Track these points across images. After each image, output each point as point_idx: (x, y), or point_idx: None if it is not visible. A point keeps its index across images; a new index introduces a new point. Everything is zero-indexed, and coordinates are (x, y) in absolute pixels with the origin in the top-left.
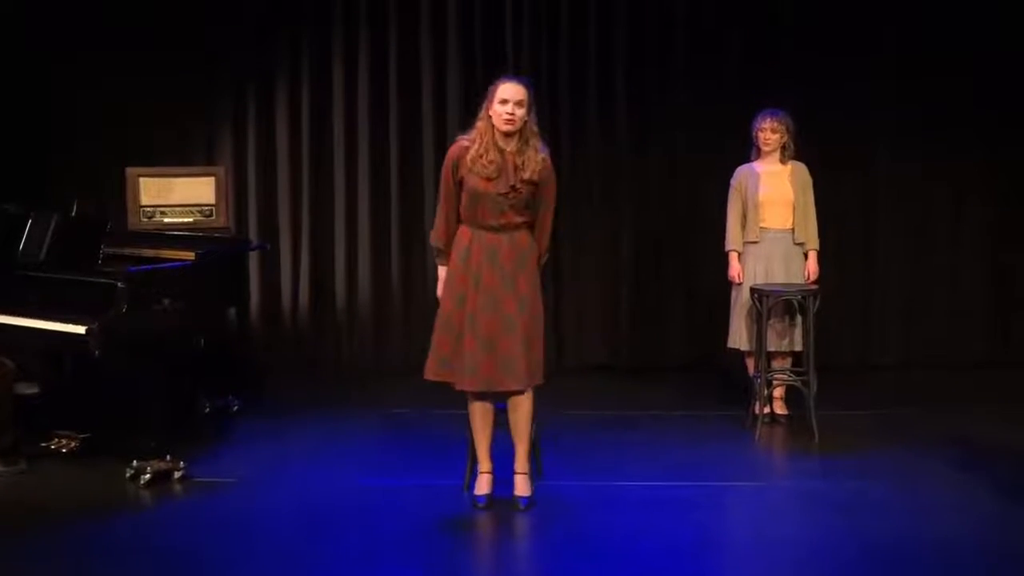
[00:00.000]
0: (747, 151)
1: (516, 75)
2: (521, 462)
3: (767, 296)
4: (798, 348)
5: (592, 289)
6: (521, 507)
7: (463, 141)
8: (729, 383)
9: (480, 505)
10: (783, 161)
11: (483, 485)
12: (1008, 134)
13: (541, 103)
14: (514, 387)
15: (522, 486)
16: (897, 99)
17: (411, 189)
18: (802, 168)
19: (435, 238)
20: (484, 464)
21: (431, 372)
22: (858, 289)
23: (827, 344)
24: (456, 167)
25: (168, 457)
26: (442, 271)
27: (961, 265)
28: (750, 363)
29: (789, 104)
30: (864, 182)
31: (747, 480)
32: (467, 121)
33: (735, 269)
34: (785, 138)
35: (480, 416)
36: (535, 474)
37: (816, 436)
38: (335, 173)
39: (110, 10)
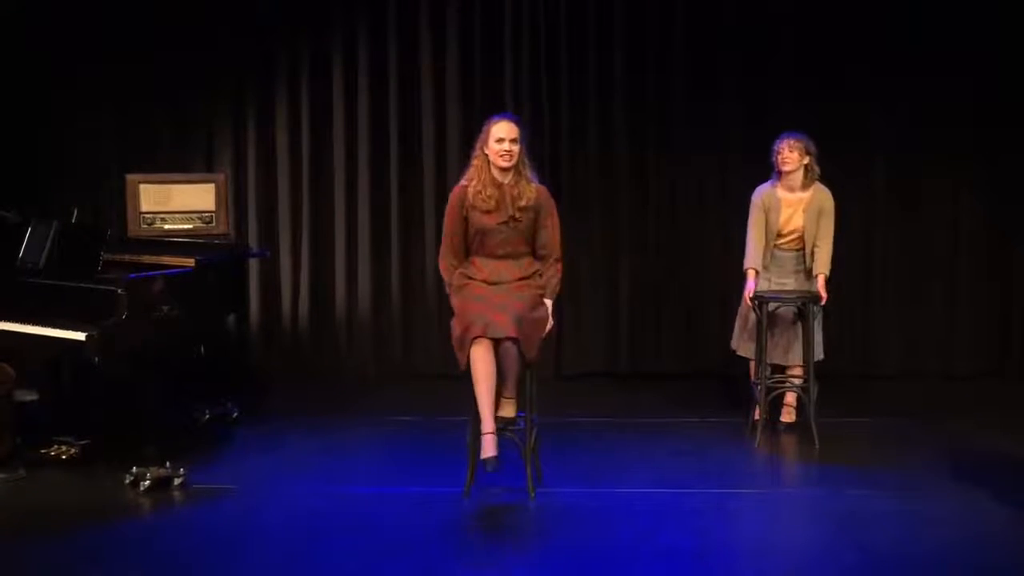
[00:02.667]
0: (746, 162)
1: (506, 113)
2: (509, 390)
3: (767, 303)
4: (799, 362)
5: (592, 295)
6: (516, 424)
7: (463, 182)
8: (730, 390)
9: (488, 469)
10: (805, 186)
11: (488, 447)
12: (1009, 142)
13: (539, 106)
14: (511, 333)
15: (507, 408)
16: (896, 107)
17: (411, 197)
18: (823, 193)
19: (446, 272)
20: (487, 424)
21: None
22: (858, 298)
23: (827, 353)
24: (462, 203)
25: (167, 464)
26: (454, 300)
27: (961, 274)
28: (752, 369)
29: (787, 115)
30: (863, 190)
31: (748, 488)
32: (466, 126)
33: (751, 290)
34: (806, 160)
35: (482, 362)
36: (536, 481)
37: (817, 443)
38: (335, 180)
39: (109, 16)
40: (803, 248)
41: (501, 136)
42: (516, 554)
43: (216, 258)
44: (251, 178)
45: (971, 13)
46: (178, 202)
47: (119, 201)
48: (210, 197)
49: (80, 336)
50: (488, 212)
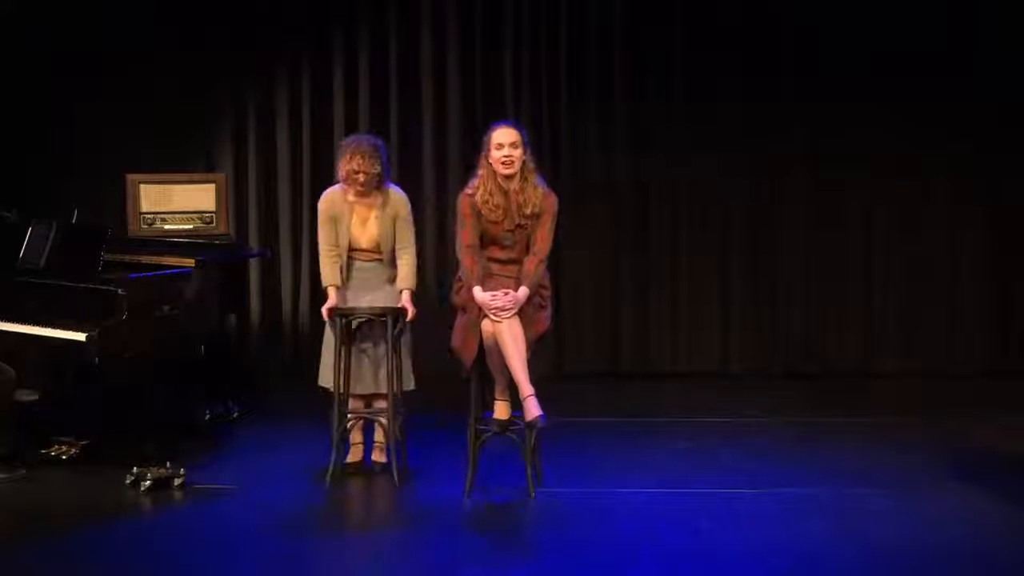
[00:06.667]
0: (746, 162)
1: (506, 120)
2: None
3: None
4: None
5: (593, 294)
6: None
7: (468, 191)
8: (729, 389)
9: (537, 427)
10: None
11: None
12: (1009, 142)
13: (540, 102)
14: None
15: (502, 410)
16: (896, 107)
17: (410, 197)
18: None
19: (469, 275)
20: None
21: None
22: (859, 297)
23: (827, 352)
24: (474, 209)
25: (168, 464)
26: (477, 290)
27: (961, 273)
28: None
29: (787, 115)
30: (863, 190)
31: (748, 487)
32: (466, 127)
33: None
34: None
35: (499, 331)
36: (536, 481)
37: (397, 482)
38: (335, 179)
39: (109, 16)
40: (382, 258)
41: (501, 142)
42: (516, 554)
43: (216, 258)
44: (251, 178)
45: (971, 13)
46: (178, 202)
47: (119, 201)
48: (210, 197)
49: (80, 336)
50: (495, 222)
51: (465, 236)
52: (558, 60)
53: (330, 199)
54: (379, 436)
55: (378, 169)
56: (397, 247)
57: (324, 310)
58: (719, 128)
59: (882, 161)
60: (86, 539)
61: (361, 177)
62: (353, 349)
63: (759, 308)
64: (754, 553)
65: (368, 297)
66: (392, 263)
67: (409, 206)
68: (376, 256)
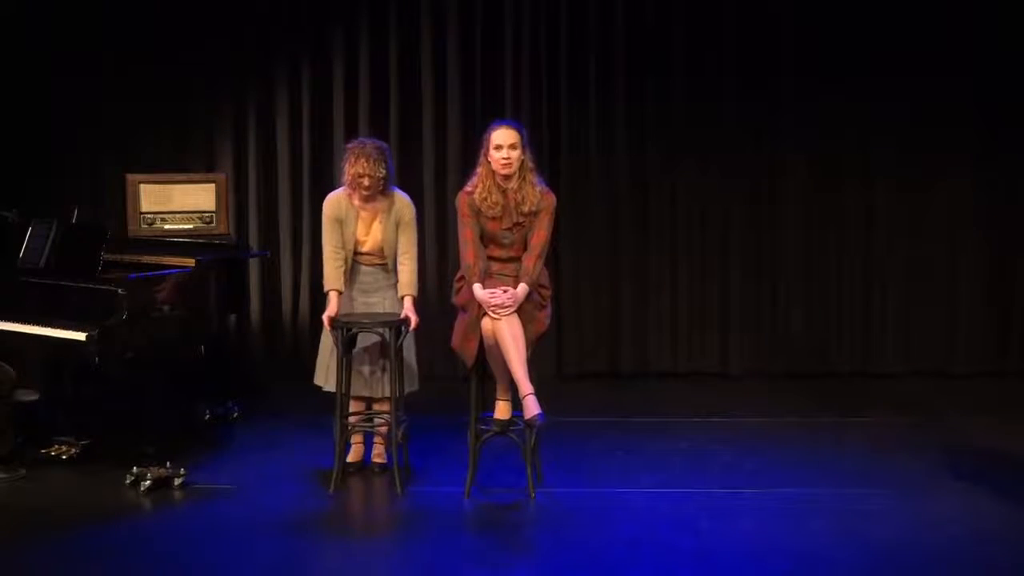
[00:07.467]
0: (745, 162)
1: (506, 119)
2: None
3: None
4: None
5: (593, 295)
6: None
7: (467, 188)
8: (731, 389)
9: (536, 425)
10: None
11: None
12: (1009, 142)
13: (540, 102)
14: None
15: (503, 410)
16: (896, 107)
17: (411, 196)
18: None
19: (471, 272)
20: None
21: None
22: (858, 297)
23: (827, 352)
24: (472, 208)
25: (168, 464)
26: (477, 287)
27: (961, 273)
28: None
29: (787, 115)
30: (863, 190)
31: (748, 487)
32: (466, 128)
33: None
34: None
35: (498, 328)
36: (536, 481)
37: (400, 488)
38: (335, 180)
39: (109, 16)
40: (386, 263)
41: (499, 143)
42: (516, 554)
43: (217, 258)
44: (251, 178)
45: (971, 13)
46: (178, 202)
47: (119, 201)
48: (210, 197)
49: (80, 336)
50: (494, 219)
51: (466, 233)
52: (558, 60)
53: (335, 201)
54: (379, 438)
55: (383, 173)
56: (399, 252)
57: (325, 318)
58: (719, 128)
59: (882, 161)
60: (86, 539)
61: (366, 181)
62: (354, 353)
63: (759, 308)
64: (754, 553)
65: (369, 300)
66: (395, 267)
67: (414, 211)
68: (379, 260)
